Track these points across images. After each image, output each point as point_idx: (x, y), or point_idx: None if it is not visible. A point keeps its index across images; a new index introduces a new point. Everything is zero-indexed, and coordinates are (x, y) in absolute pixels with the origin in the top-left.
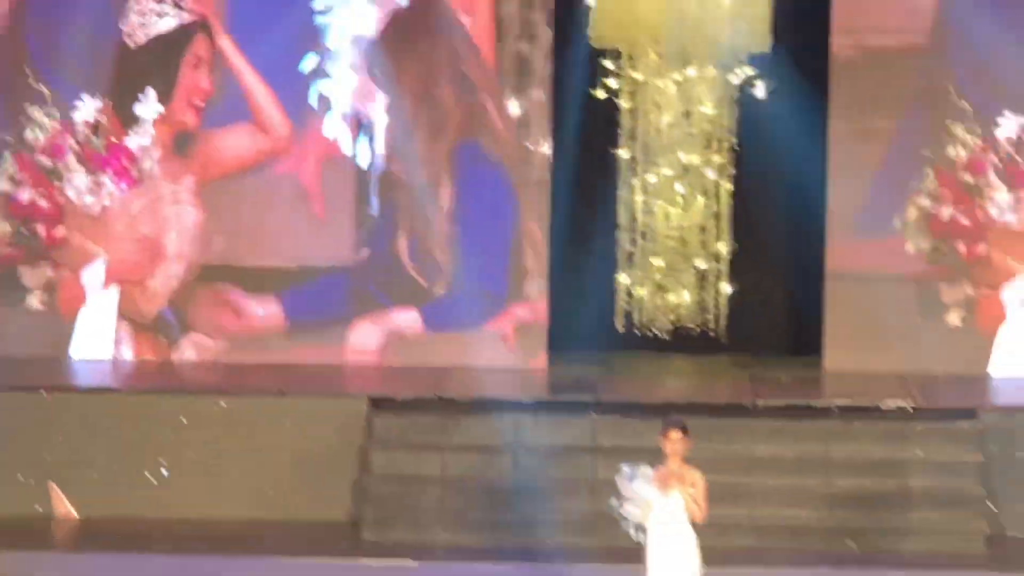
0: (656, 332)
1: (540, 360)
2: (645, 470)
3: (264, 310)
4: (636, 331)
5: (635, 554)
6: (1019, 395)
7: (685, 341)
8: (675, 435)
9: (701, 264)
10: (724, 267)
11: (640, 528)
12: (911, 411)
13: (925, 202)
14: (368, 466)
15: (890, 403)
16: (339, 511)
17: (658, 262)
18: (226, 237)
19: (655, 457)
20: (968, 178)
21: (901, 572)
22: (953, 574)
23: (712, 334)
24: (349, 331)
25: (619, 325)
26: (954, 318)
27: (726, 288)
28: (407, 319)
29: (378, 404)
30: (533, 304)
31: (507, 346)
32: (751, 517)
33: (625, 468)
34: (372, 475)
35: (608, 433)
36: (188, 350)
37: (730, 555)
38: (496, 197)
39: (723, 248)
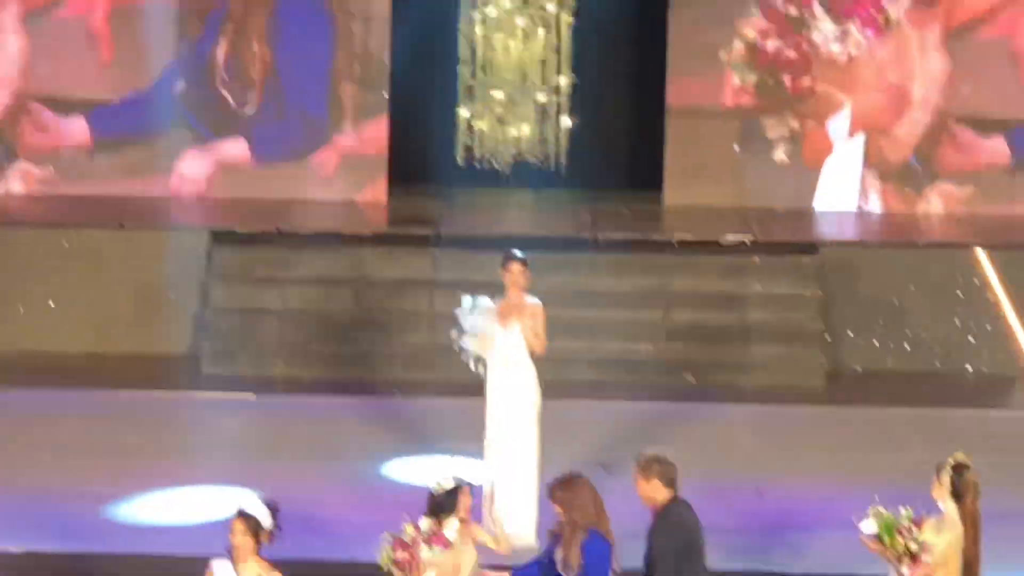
0: (497, 165)
1: (378, 193)
2: (485, 302)
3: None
4: (477, 165)
5: (474, 388)
6: (857, 229)
7: (525, 175)
8: (515, 267)
9: (541, 98)
10: (564, 101)
11: (479, 360)
12: (750, 245)
13: (750, 35)
14: (208, 300)
15: (730, 238)
16: (179, 344)
17: (498, 95)
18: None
19: (495, 291)
20: (793, 10)
21: (740, 406)
22: (792, 408)
23: (552, 168)
24: (177, 161)
25: (459, 159)
26: (780, 153)
27: (566, 122)
28: (234, 149)
29: (219, 238)
30: (362, 136)
31: (332, 178)
32: (591, 350)
33: (465, 300)
34: (212, 309)
35: (448, 267)
36: (15, 183)
37: (570, 388)
38: (318, 27)
39: (563, 82)
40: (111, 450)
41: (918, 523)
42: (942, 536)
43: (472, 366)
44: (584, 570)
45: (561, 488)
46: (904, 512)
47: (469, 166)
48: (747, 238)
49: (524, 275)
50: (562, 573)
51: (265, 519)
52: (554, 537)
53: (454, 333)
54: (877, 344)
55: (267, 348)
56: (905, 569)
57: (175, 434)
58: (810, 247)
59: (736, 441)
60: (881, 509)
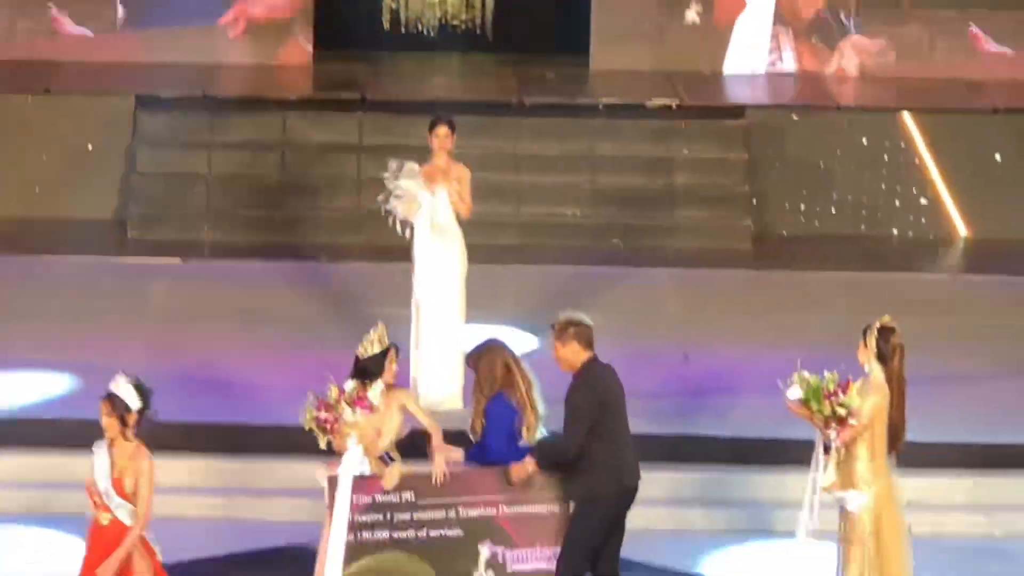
0: (423, 29)
1: (301, 57)
2: (412, 165)
3: None
4: (403, 29)
5: (400, 252)
6: (785, 93)
7: (451, 39)
8: (442, 131)
9: None
10: None
11: (406, 224)
12: (676, 109)
13: None
14: (134, 165)
15: (656, 101)
16: (105, 210)
17: None
18: None
19: (421, 155)
20: None
21: (666, 270)
22: (719, 272)
23: (479, 31)
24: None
25: (386, 23)
26: (692, 14)
27: None
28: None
29: (144, 102)
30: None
31: (239, 41)
32: (517, 215)
33: (392, 163)
34: (138, 174)
35: (374, 131)
36: None
37: (496, 253)
38: None
39: None
40: (36, 315)
41: (844, 387)
42: (868, 399)
43: (399, 230)
44: (484, 433)
45: (474, 356)
46: (829, 376)
47: (395, 30)
48: (673, 102)
49: (450, 138)
50: (471, 437)
51: (133, 401)
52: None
53: (381, 197)
54: (803, 208)
55: (194, 213)
56: (832, 433)
57: (101, 299)
58: (736, 111)
59: (662, 305)
60: (805, 374)
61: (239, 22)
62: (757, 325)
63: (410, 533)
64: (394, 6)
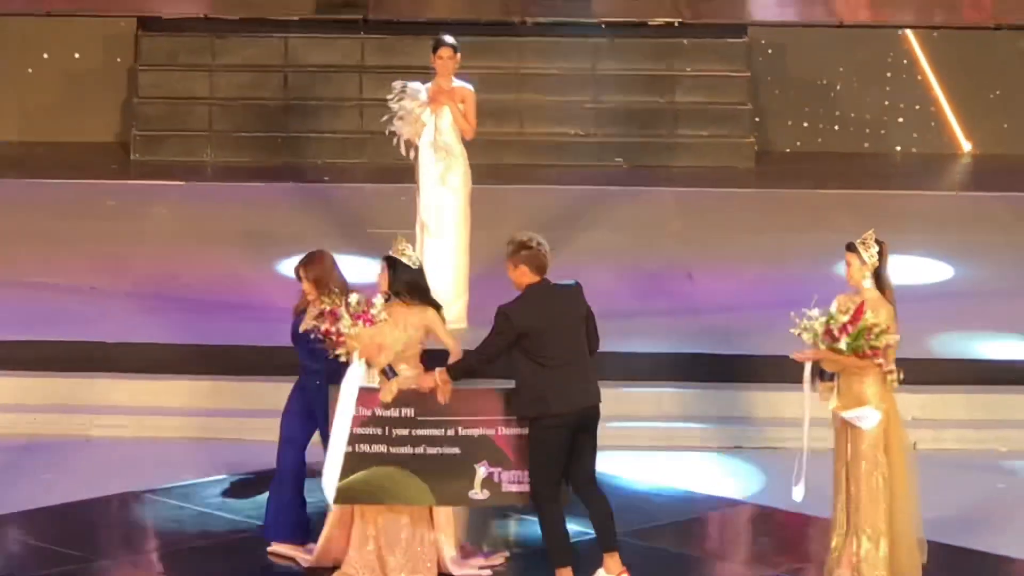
0: None
1: None
2: (415, 86)
3: None
4: None
5: (403, 173)
6: (786, 10)
7: None
8: (445, 52)
9: None
10: None
11: (410, 145)
12: (679, 27)
13: None
14: (136, 87)
15: (657, 19)
16: (108, 132)
17: None
18: None
19: (424, 76)
20: None
21: (670, 188)
22: (722, 190)
23: None
24: None
25: None
26: None
27: None
28: None
29: (146, 24)
30: None
31: None
32: (521, 134)
33: (395, 84)
34: (141, 96)
35: (376, 51)
36: None
37: (500, 172)
38: None
39: None
40: (39, 237)
41: (856, 316)
42: (883, 312)
43: (402, 151)
44: None
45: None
46: (833, 312)
47: None
48: (675, 19)
49: (454, 60)
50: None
51: None
52: None
53: (385, 118)
54: (806, 125)
55: (196, 135)
56: (879, 361)
57: (104, 221)
58: (739, 28)
59: (666, 223)
60: (808, 320)
61: None
62: (760, 243)
63: (407, 449)
64: None
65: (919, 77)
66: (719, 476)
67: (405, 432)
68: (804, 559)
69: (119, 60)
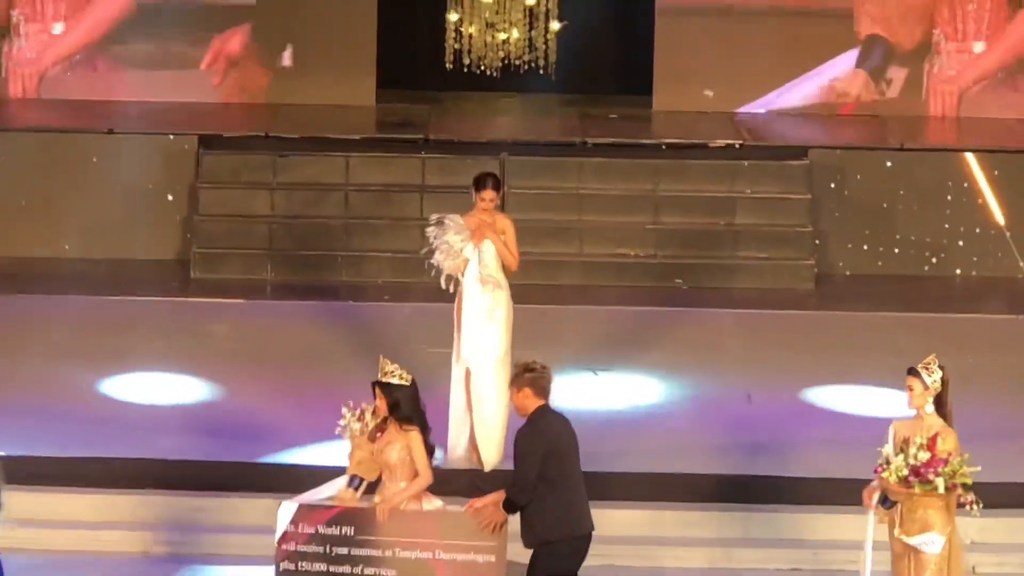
0: (486, 70)
1: (368, 97)
2: (455, 219)
3: None
4: (465, 69)
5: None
6: (847, 133)
7: (515, 79)
8: (488, 194)
9: (530, 1)
10: (553, 4)
11: (450, 279)
12: (739, 148)
13: None
14: (197, 204)
15: (719, 140)
16: (169, 249)
17: (488, 0)
18: None
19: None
20: None
21: (729, 310)
22: (782, 312)
23: (542, 72)
24: None
25: (449, 63)
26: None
27: (555, 25)
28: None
29: (207, 142)
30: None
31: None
32: (580, 255)
33: (433, 217)
34: (201, 213)
35: (437, 171)
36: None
37: (558, 292)
38: None
39: None
40: (99, 355)
41: (931, 447)
42: (950, 439)
43: (443, 285)
44: None
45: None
46: (912, 452)
47: (458, 70)
48: (736, 141)
49: (496, 199)
50: None
51: None
52: None
53: (424, 251)
54: (866, 247)
55: (256, 253)
56: (959, 492)
57: (164, 338)
58: (799, 150)
59: (725, 345)
60: (890, 463)
61: (219, 63)
62: (819, 366)
63: (346, 568)
64: (457, 46)
65: (979, 200)
66: None
67: (344, 551)
68: None
69: (180, 178)
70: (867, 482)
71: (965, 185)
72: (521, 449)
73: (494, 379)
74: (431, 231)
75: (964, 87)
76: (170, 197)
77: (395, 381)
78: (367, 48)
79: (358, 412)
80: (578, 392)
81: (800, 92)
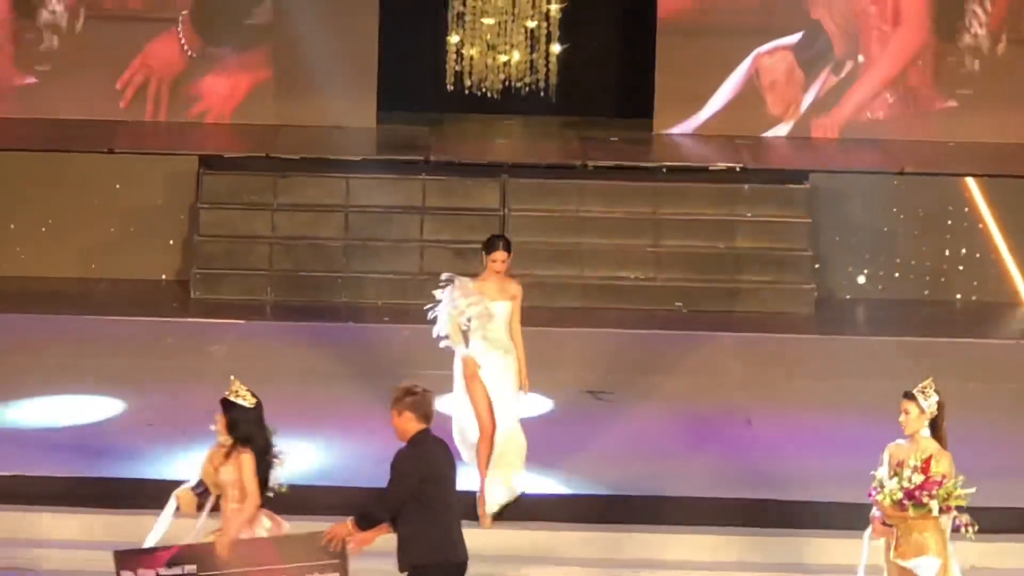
0: (486, 91)
1: (368, 118)
2: (464, 281)
3: None
4: (466, 91)
5: None
6: (847, 157)
7: (515, 101)
8: (499, 256)
9: (531, 24)
10: (554, 27)
11: (444, 337)
12: (740, 171)
13: None
14: (198, 225)
15: (719, 164)
16: (169, 270)
17: (488, 22)
18: None
19: (484, 219)
20: None
21: (730, 334)
22: (782, 336)
23: (542, 94)
24: None
25: (449, 84)
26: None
27: (555, 48)
28: None
29: (208, 163)
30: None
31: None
32: (580, 277)
33: (444, 276)
34: (201, 234)
35: (438, 193)
36: None
37: (558, 314)
38: None
39: (553, 8)
40: (100, 376)
41: (925, 471)
42: (944, 461)
43: (440, 339)
44: None
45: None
46: (906, 475)
47: (459, 92)
48: (736, 164)
49: (507, 262)
50: None
51: None
52: None
53: (428, 307)
54: (866, 272)
55: (256, 274)
56: (955, 514)
57: (164, 359)
58: (799, 174)
59: (725, 369)
60: (883, 487)
61: (131, 87)
62: (820, 390)
63: None
64: (458, 68)
65: (980, 225)
66: None
67: None
68: None
69: (180, 198)
70: (865, 507)
71: (965, 210)
72: (399, 470)
73: (516, 423)
74: (441, 290)
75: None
76: (169, 217)
77: (239, 401)
78: (368, 69)
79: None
80: (578, 415)
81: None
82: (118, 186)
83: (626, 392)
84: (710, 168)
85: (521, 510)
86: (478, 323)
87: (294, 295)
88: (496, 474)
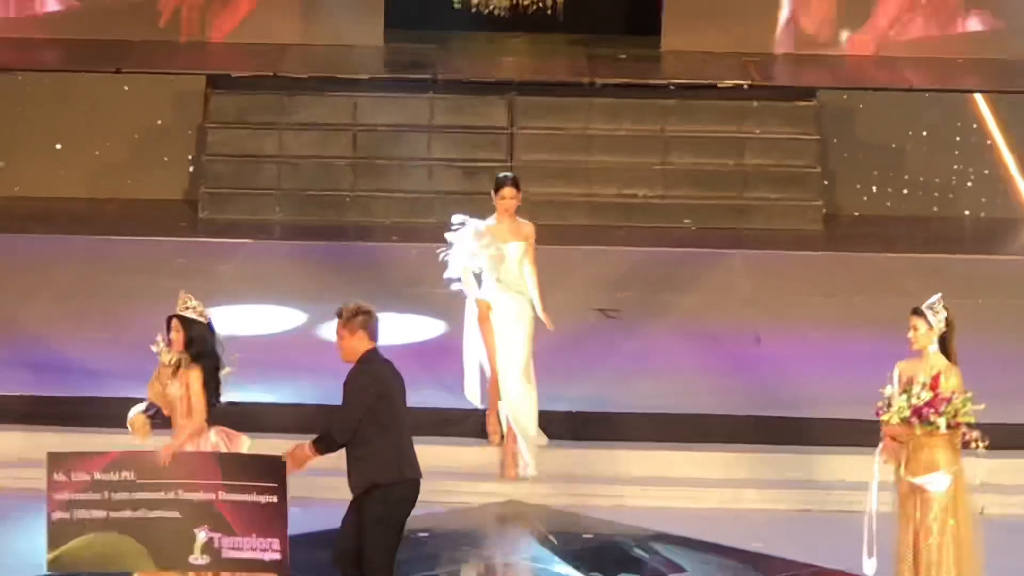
0: (494, 10)
1: (376, 37)
2: (477, 224)
3: None
4: (474, 9)
5: None
6: (857, 74)
7: (523, 19)
8: (508, 192)
9: None
10: None
11: (456, 280)
12: (748, 89)
13: None
14: (205, 145)
15: (727, 81)
16: (177, 190)
17: None
18: None
19: (492, 137)
20: None
21: (738, 250)
22: (790, 253)
23: (550, 12)
24: None
25: (457, 3)
26: None
27: None
28: None
29: (215, 82)
30: None
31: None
32: (588, 195)
33: (457, 219)
34: (209, 154)
35: (445, 111)
36: None
37: (567, 232)
38: None
39: None
40: (106, 295)
41: (934, 387)
42: (953, 377)
43: (451, 279)
44: None
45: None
46: (914, 392)
47: (466, 10)
48: (745, 81)
49: (517, 199)
50: None
51: None
52: None
53: (440, 249)
54: (874, 189)
55: (264, 193)
56: (964, 431)
57: (172, 279)
58: (808, 91)
59: (734, 286)
60: (891, 404)
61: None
62: (828, 306)
63: (127, 513)
64: None
65: (988, 141)
66: (786, 539)
67: (125, 496)
68: None
69: (188, 118)
70: (875, 423)
71: (974, 126)
72: (351, 389)
73: (522, 385)
74: (453, 232)
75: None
76: (177, 137)
77: (192, 316)
78: None
79: (167, 342)
80: (586, 333)
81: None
82: (125, 107)
83: (634, 310)
84: (718, 85)
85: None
86: (491, 265)
87: (302, 214)
88: (517, 443)
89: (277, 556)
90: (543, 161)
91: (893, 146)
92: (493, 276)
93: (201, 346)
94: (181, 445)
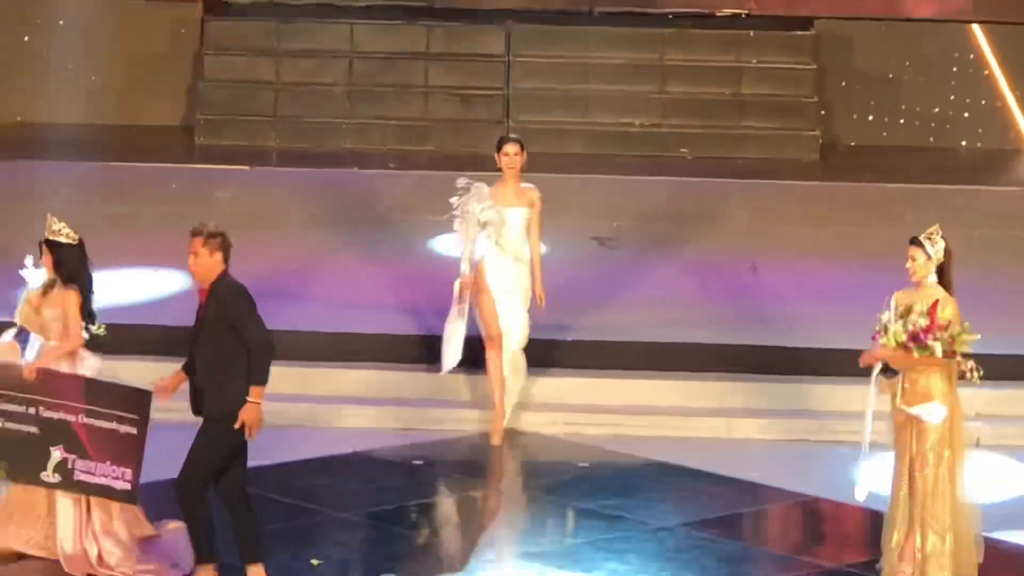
0: None
1: None
2: (481, 187)
3: None
4: None
5: (468, 161)
6: (855, 3)
7: None
8: (511, 148)
9: None
10: None
11: (461, 240)
12: (746, 18)
13: None
14: (202, 71)
15: (725, 10)
16: (173, 116)
17: None
18: None
19: (489, 66)
20: None
21: (735, 180)
22: (786, 183)
23: None
24: None
25: None
26: None
27: None
28: None
29: (212, 8)
30: None
31: None
32: (586, 123)
33: (461, 182)
34: (206, 80)
35: (442, 39)
36: None
37: (564, 160)
38: None
39: None
40: (103, 220)
41: (932, 314)
42: (950, 307)
43: (465, 246)
44: None
45: None
46: (912, 318)
47: None
48: (742, 10)
49: (521, 156)
50: None
51: None
52: None
53: (446, 216)
54: (871, 119)
55: (261, 120)
56: (959, 359)
57: (168, 205)
58: (806, 21)
59: (730, 215)
60: (888, 329)
61: None
62: (824, 236)
63: None
64: None
65: (985, 72)
66: (779, 468)
67: None
68: (862, 553)
69: (185, 44)
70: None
71: (971, 57)
72: (245, 304)
73: (521, 355)
74: (459, 198)
75: None
76: (174, 64)
77: (62, 240)
78: None
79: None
80: (583, 261)
81: None
82: (122, 33)
83: (631, 238)
84: (716, 14)
85: (528, 356)
86: (492, 229)
87: (299, 141)
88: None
89: (128, 486)
90: (540, 89)
91: (890, 76)
92: (492, 240)
93: (71, 268)
94: (48, 363)
